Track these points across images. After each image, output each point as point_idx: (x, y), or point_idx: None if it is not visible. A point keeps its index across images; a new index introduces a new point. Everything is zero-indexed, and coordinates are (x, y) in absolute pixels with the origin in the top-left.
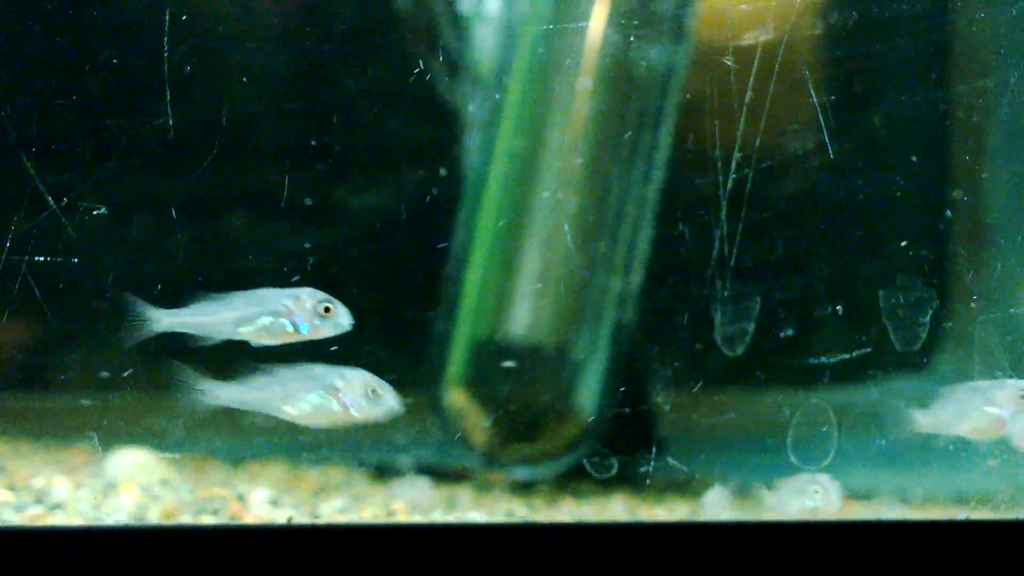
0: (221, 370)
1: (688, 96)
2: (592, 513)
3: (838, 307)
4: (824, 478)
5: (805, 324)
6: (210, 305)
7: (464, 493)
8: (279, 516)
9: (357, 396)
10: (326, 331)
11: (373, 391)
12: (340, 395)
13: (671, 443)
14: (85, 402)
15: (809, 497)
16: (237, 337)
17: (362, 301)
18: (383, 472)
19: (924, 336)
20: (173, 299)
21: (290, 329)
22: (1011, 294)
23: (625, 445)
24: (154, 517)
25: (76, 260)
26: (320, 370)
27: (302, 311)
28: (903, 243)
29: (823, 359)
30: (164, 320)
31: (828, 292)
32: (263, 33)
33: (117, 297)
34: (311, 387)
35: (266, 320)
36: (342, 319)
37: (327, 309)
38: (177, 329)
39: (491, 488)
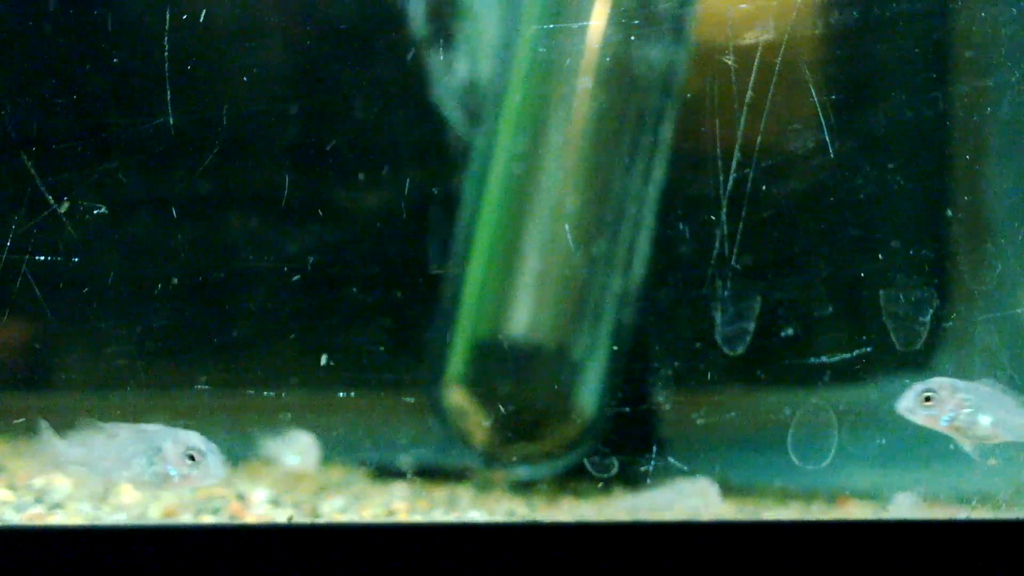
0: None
1: (688, 96)
2: (592, 513)
3: (838, 307)
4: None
5: (805, 324)
6: None
7: (464, 493)
8: (279, 516)
9: (175, 460)
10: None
11: (187, 454)
12: (164, 462)
13: (671, 443)
14: (86, 401)
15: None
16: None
17: (362, 301)
18: (383, 472)
19: (924, 336)
20: None
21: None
22: (1011, 294)
23: (625, 445)
24: (154, 517)
25: (76, 260)
26: (154, 429)
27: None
28: (903, 243)
29: (823, 359)
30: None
31: (828, 292)
32: (262, 32)
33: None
34: (142, 452)
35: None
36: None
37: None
38: None
39: (491, 488)
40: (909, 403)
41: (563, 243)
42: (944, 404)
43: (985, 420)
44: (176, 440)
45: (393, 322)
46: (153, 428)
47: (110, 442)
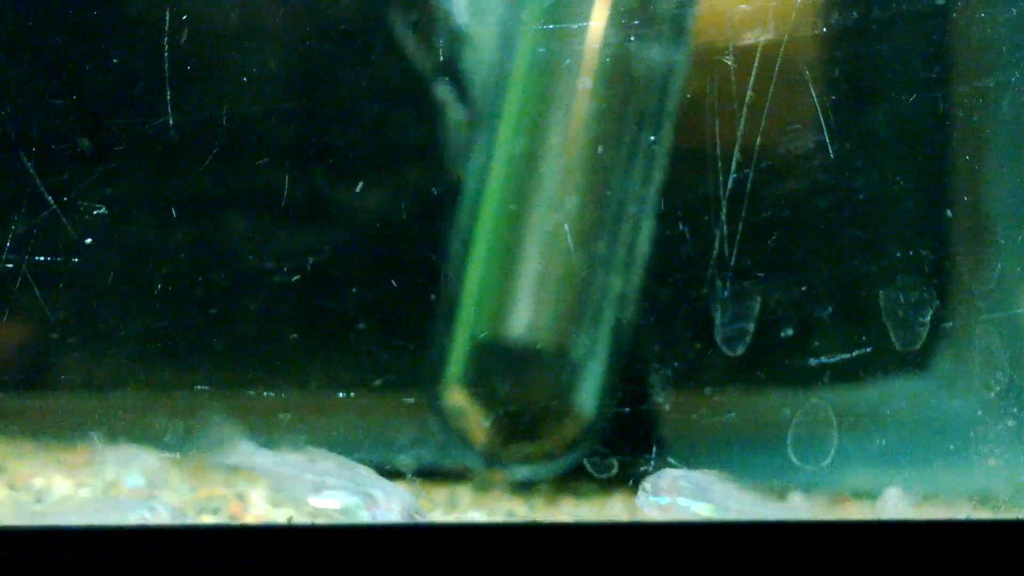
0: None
1: (688, 96)
2: (592, 513)
3: (837, 307)
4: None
5: (805, 324)
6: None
7: (464, 493)
8: (279, 516)
9: (393, 516)
10: None
11: (411, 516)
12: (375, 508)
13: (670, 443)
14: (87, 402)
15: None
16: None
17: (362, 301)
18: (383, 472)
19: (924, 336)
20: None
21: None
22: (1011, 294)
23: (625, 445)
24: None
25: (76, 260)
26: (363, 473)
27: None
28: (903, 243)
29: (823, 359)
30: None
31: (828, 292)
32: (262, 32)
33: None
34: (346, 487)
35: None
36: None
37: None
38: None
39: (491, 488)
40: (640, 498)
41: (563, 243)
42: (663, 492)
43: (702, 508)
44: (387, 492)
45: (393, 322)
46: (363, 470)
47: (307, 464)
